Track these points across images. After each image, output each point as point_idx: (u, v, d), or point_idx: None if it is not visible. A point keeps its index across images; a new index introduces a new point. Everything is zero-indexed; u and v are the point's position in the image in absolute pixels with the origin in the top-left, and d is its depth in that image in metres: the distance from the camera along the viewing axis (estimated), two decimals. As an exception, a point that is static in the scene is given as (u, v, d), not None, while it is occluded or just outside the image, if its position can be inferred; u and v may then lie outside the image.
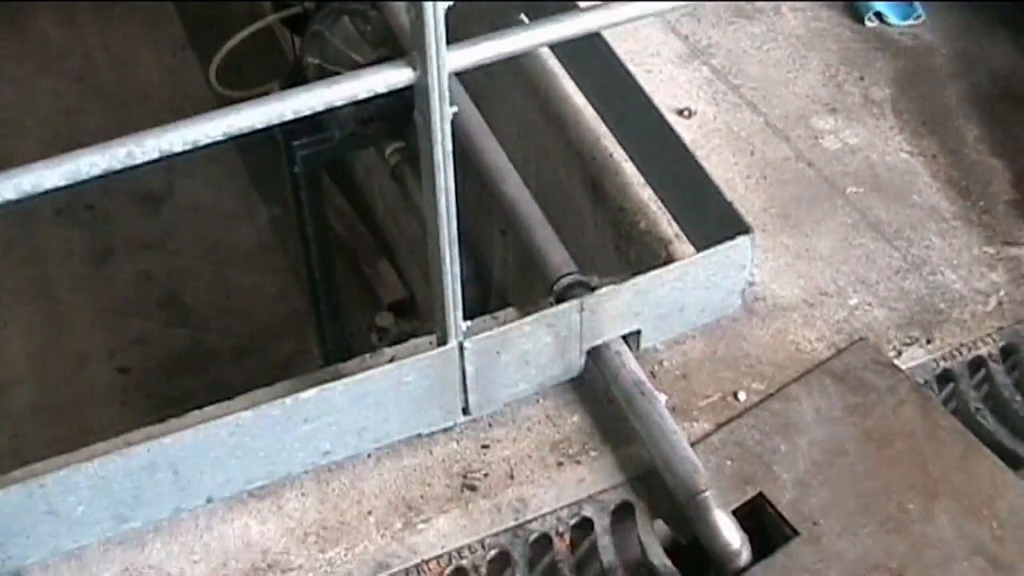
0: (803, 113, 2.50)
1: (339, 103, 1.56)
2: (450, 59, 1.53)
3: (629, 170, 2.37)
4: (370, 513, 1.92)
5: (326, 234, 3.33)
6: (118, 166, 1.49)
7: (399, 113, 2.96)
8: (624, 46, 2.59)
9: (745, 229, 2.01)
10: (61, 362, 4.02)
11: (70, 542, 1.85)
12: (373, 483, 1.95)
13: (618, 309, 1.98)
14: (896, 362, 2.09)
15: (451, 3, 1.48)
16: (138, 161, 1.51)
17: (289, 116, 1.55)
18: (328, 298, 3.39)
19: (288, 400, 1.84)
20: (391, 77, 1.53)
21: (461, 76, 2.69)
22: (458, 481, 1.95)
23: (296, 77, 3.18)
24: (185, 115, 1.60)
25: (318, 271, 3.34)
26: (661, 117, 2.20)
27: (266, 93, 3.29)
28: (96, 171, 1.48)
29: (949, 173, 2.39)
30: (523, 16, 2.55)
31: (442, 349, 1.89)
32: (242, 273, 4.28)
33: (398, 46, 2.72)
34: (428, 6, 1.46)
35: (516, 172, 2.33)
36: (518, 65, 2.62)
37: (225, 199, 4.57)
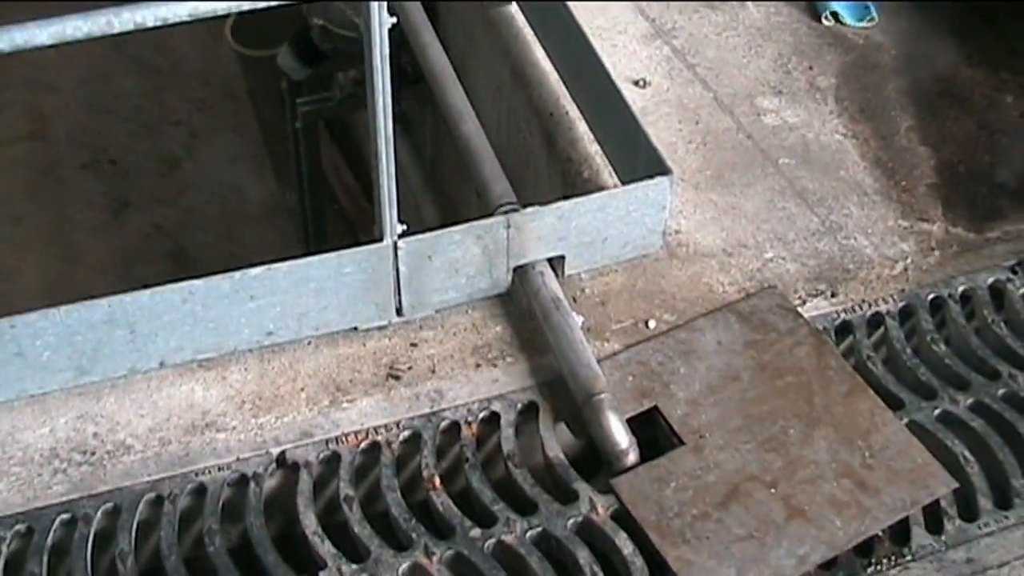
0: (750, 93, 2.71)
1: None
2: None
3: (581, 128, 2.60)
4: (302, 390, 2.14)
5: (320, 185, 3.57)
6: (97, 32, 1.70)
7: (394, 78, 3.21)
8: (595, 22, 2.84)
9: (665, 170, 2.23)
10: (69, 297, 4.26)
11: (34, 386, 2.08)
12: (308, 365, 2.17)
13: (543, 231, 2.20)
14: (800, 310, 2.29)
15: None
16: (116, 30, 1.72)
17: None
18: (319, 243, 3.64)
19: (237, 275, 2.06)
20: None
21: (446, 37, 2.95)
22: (384, 371, 2.17)
23: (303, 38, 3.44)
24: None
25: (311, 219, 3.59)
26: (612, 81, 2.41)
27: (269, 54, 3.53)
28: (79, 35, 1.70)
29: (878, 155, 2.59)
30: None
31: (378, 246, 2.11)
32: (249, 230, 4.53)
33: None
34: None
35: (476, 117, 2.56)
36: (496, 32, 2.86)
37: (240, 164, 4.83)
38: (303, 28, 3.39)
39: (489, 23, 2.92)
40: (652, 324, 2.25)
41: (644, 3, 2.91)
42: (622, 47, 2.81)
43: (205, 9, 1.73)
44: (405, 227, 2.13)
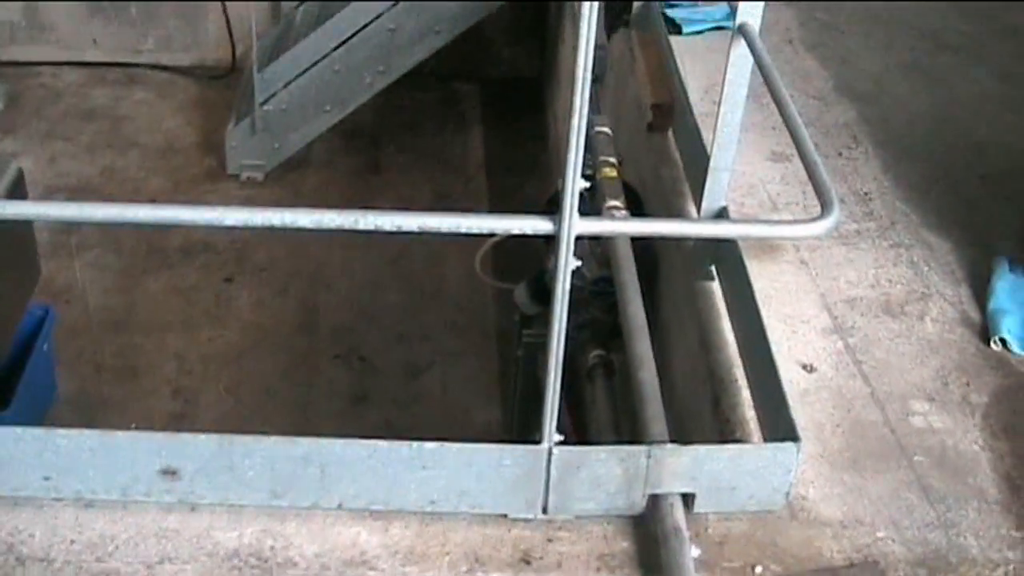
0: (904, 395, 3.01)
1: (499, 231, 2.26)
2: (579, 224, 2.23)
3: (744, 395, 2.95)
4: (447, 554, 2.52)
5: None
6: (347, 226, 2.22)
7: (607, 328, 3.68)
8: (784, 310, 3.23)
9: (795, 438, 2.55)
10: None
11: (235, 496, 2.55)
12: (458, 535, 2.55)
13: (678, 467, 2.54)
14: (896, 588, 2.54)
15: (587, 185, 2.18)
16: (360, 227, 2.23)
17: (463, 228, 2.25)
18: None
19: (415, 444, 2.50)
20: (537, 224, 2.24)
21: (658, 298, 3.38)
22: (519, 555, 2.53)
23: (538, 278, 3.95)
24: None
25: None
26: (773, 362, 2.77)
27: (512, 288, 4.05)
28: (332, 225, 2.21)
29: (1009, 472, 2.83)
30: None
31: (536, 448, 2.51)
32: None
33: (613, 273, 3.43)
34: (568, 185, 2.17)
35: (655, 367, 2.95)
36: (695, 301, 3.28)
37: (473, 386, 5.36)
38: (540, 269, 3.90)
39: (693, 293, 3.35)
40: (759, 570, 2.53)
41: (832, 302, 3.27)
42: (801, 335, 3.17)
43: (451, 225, 2.21)
44: (562, 438, 2.52)
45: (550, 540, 2.57)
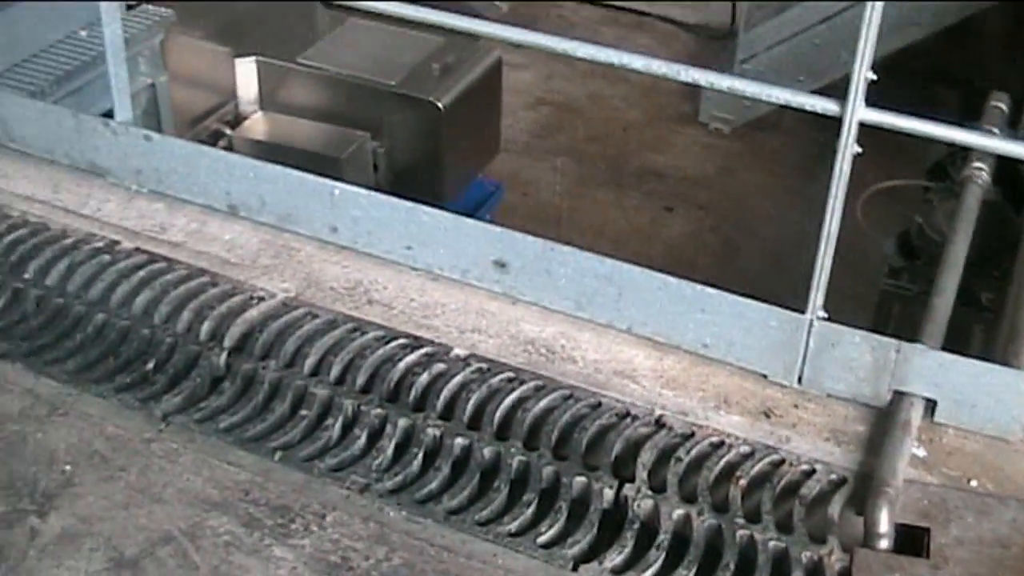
0: None
1: (779, 101, 2.61)
2: (862, 111, 2.54)
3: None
4: (702, 391, 2.91)
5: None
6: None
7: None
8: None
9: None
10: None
11: (548, 300, 3.07)
12: (719, 379, 2.93)
13: (923, 369, 2.77)
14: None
15: (873, 77, 2.49)
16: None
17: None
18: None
19: (697, 287, 2.91)
20: (825, 105, 2.57)
21: None
22: (763, 408, 2.87)
23: (905, 232, 4.18)
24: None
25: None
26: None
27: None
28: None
29: None
30: None
31: (800, 316, 2.83)
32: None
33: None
34: (856, 72, 2.48)
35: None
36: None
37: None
38: (909, 225, 4.13)
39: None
40: (974, 483, 2.73)
41: None
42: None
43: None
44: (826, 315, 2.83)
45: (795, 406, 2.89)
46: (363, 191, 3.23)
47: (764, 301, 2.87)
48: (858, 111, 2.54)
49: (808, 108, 2.64)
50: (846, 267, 5.77)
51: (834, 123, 2.62)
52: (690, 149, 7.11)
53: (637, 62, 2.78)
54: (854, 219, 4.68)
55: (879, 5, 2.43)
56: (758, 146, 7.14)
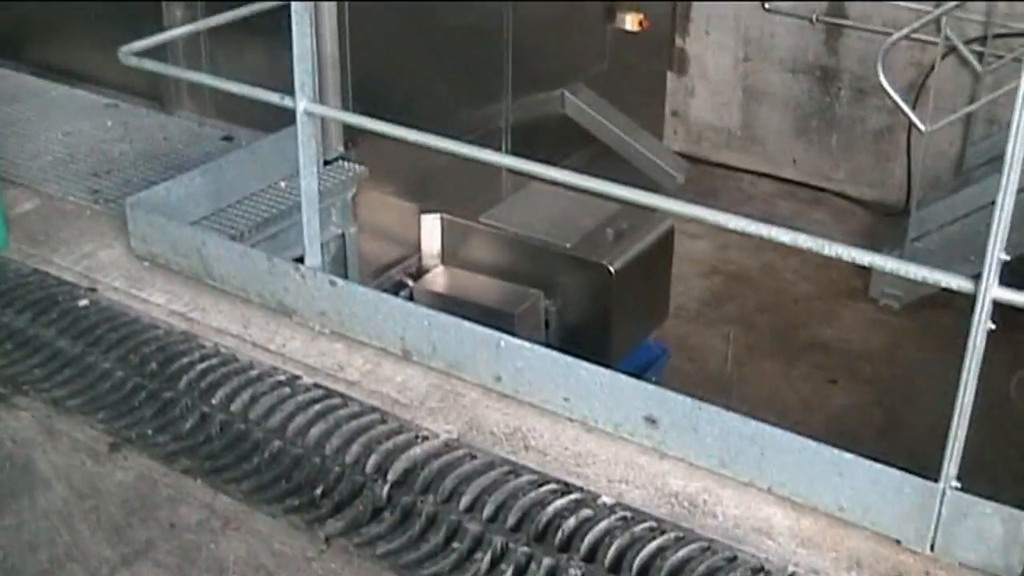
0: None
1: (915, 277, 2.76)
2: (995, 290, 2.67)
3: None
4: (835, 551, 3.00)
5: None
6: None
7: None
8: None
9: None
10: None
11: (694, 456, 3.22)
12: (852, 542, 3.02)
13: (1058, 546, 2.83)
14: None
15: (1007, 258, 2.63)
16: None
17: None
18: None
19: (835, 451, 3.02)
20: (960, 283, 2.71)
21: None
22: (895, 574, 2.95)
23: None
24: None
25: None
26: None
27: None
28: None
29: None
30: None
31: (932, 485, 2.92)
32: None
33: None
34: (991, 251, 2.63)
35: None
36: None
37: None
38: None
39: None
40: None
41: None
42: None
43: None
44: (959, 484, 2.91)
45: (927, 573, 2.96)
46: (526, 344, 3.47)
47: (907, 471, 2.96)
48: (991, 289, 2.68)
49: (944, 285, 2.77)
50: (1009, 443, 5.82)
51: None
52: (859, 323, 7.20)
53: (784, 236, 2.97)
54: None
55: (1013, 189, 2.58)
56: (927, 323, 7.18)
